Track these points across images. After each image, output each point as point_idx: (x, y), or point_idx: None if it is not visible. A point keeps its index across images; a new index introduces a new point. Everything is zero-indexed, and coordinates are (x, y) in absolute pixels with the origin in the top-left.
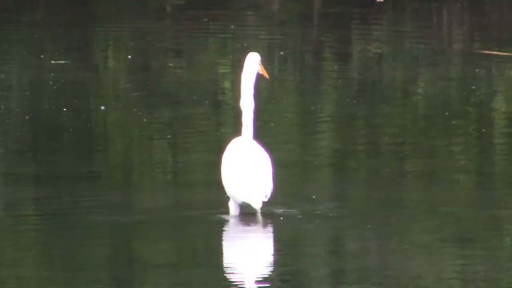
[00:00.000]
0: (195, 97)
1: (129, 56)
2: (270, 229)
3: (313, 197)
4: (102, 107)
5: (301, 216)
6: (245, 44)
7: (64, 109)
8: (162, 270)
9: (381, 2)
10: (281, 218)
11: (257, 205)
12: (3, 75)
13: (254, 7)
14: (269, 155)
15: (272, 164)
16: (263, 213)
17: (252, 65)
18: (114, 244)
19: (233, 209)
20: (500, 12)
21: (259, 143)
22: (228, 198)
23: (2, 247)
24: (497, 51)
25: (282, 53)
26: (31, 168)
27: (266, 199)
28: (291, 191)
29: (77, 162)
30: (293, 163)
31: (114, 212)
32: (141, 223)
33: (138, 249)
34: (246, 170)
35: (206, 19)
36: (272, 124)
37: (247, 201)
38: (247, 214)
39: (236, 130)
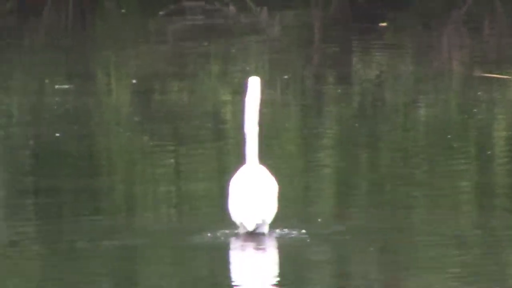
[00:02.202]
0: (197, 122)
1: (133, 81)
2: (276, 252)
3: (319, 220)
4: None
5: (309, 240)
6: (247, 68)
7: (67, 134)
8: None
9: (383, 26)
10: (287, 241)
11: (249, 226)
12: (6, 100)
13: (255, 31)
14: (274, 180)
15: (277, 189)
16: (268, 237)
17: (255, 89)
18: (118, 269)
19: (242, 232)
20: (499, 36)
21: (266, 168)
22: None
23: (4, 276)
24: (497, 74)
25: (286, 77)
26: (32, 193)
27: (260, 221)
28: (296, 214)
29: (79, 186)
30: (296, 186)
31: (117, 236)
32: (144, 247)
33: (142, 274)
34: (243, 191)
35: (206, 43)
36: (275, 148)
37: (242, 221)
38: (254, 237)
39: (237, 154)
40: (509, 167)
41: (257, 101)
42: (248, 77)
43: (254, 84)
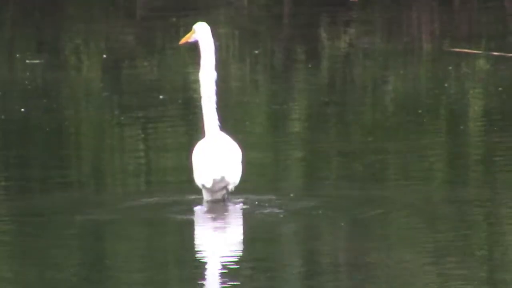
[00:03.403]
0: (166, 96)
1: (104, 56)
2: (247, 227)
3: (291, 195)
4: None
5: (282, 215)
6: (216, 42)
7: (37, 108)
8: (135, 271)
9: (354, 1)
10: (259, 216)
11: (207, 184)
12: None
13: (224, 6)
14: (240, 149)
15: (241, 153)
16: (240, 211)
17: (207, 35)
18: (87, 244)
19: (206, 199)
20: (469, 10)
21: (227, 135)
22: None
23: None
24: (467, 48)
25: (256, 51)
26: (1, 168)
27: (218, 178)
28: (267, 188)
29: (49, 161)
30: (266, 161)
31: (87, 211)
32: (113, 222)
33: (111, 250)
34: (201, 154)
35: (175, 18)
36: (247, 123)
37: (201, 181)
38: (225, 211)
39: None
40: (479, 141)
41: (211, 48)
42: (217, 51)
43: (204, 30)
